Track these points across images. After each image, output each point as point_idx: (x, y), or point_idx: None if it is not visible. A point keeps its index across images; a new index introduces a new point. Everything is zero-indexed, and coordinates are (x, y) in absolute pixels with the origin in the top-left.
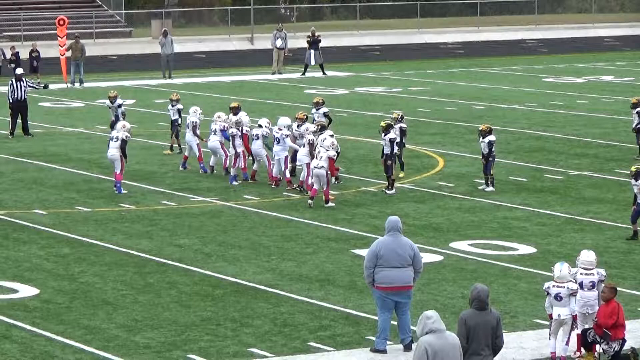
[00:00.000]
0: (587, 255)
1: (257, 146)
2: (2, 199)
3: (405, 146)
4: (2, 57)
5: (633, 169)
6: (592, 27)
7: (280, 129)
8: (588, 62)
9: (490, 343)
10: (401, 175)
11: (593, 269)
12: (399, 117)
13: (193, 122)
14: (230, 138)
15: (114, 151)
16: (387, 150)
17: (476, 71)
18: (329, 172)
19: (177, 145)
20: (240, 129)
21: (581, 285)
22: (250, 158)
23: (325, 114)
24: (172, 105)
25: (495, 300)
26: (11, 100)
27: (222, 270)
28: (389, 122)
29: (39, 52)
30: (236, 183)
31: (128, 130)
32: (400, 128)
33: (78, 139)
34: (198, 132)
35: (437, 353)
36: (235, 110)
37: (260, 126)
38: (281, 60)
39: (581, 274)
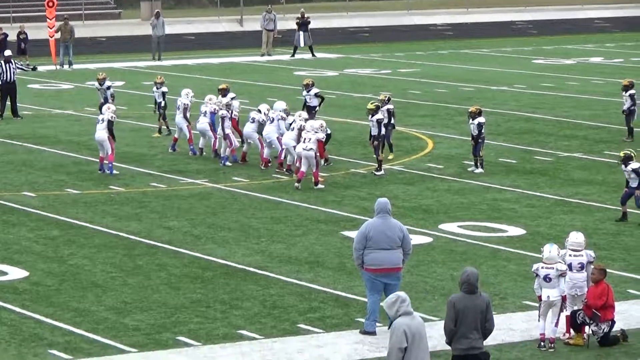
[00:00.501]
0: (576, 237)
1: (250, 129)
2: None
3: (395, 127)
4: None
5: (622, 154)
6: (582, 8)
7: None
8: (578, 44)
9: (479, 326)
10: (390, 157)
11: (582, 250)
12: (386, 98)
13: (184, 104)
14: (219, 120)
15: (101, 133)
16: (374, 132)
17: (465, 53)
18: (317, 154)
19: (166, 127)
20: (230, 111)
21: (570, 266)
22: (239, 140)
23: (317, 95)
24: (157, 88)
25: (485, 282)
26: (0, 83)
27: (212, 253)
28: (377, 103)
29: (26, 34)
30: (229, 164)
31: (113, 111)
32: (388, 110)
33: (67, 121)
34: (188, 114)
35: (414, 334)
36: (224, 92)
37: (259, 111)
38: (270, 42)
39: (570, 255)
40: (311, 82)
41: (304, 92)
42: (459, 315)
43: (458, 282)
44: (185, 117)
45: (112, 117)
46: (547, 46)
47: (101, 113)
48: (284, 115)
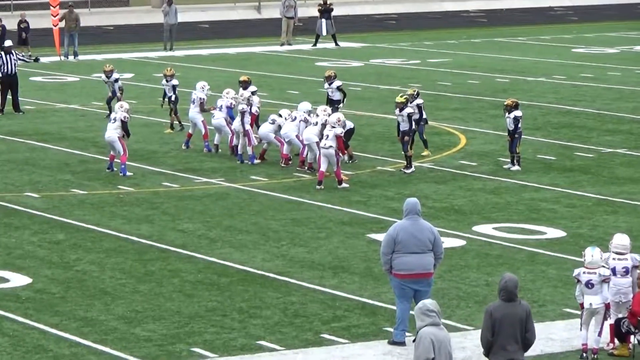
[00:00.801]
0: (621, 239)
1: (267, 129)
2: None
3: (428, 122)
4: None
5: None
6: None
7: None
8: (621, 31)
9: (519, 337)
10: (424, 153)
11: (627, 253)
12: (415, 93)
13: (200, 98)
14: (238, 115)
15: (111, 133)
16: (405, 127)
17: (500, 41)
18: (338, 151)
19: (178, 122)
20: (249, 106)
21: (614, 271)
22: (258, 137)
23: (339, 88)
24: (167, 81)
25: (522, 288)
26: (0, 75)
27: (229, 257)
28: (406, 96)
29: (28, 23)
30: (257, 161)
31: (126, 110)
32: (418, 105)
33: (72, 116)
34: (206, 108)
35: (441, 343)
36: (245, 85)
37: (280, 115)
38: (290, 30)
39: (614, 259)
40: (333, 74)
41: (326, 85)
42: (496, 325)
43: (497, 290)
44: (203, 110)
45: (124, 117)
46: (588, 34)
47: (109, 108)
48: (308, 118)
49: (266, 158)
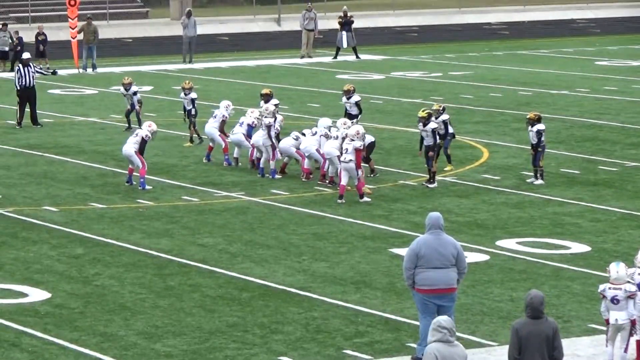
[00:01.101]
0: None
1: (288, 144)
2: (9, 195)
3: (455, 137)
4: (11, 41)
5: None
6: None
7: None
8: None
9: (546, 355)
10: (447, 168)
11: None
12: (441, 108)
13: (223, 115)
14: (265, 128)
15: (129, 147)
16: (429, 142)
17: (522, 54)
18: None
19: (197, 136)
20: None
21: (639, 286)
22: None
23: (357, 103)
24: (185, 94)
25: (547, 304)
26: (18, 87)
27: (249, 272)
28: (429, 111)
29: (45, 35)
30: (278, 176)
31: (152, 132)
32: (444, 121)
33: (91, 129)
34: (225, 130)
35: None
36: (267, 98)
37: (303, 134)
38: (311, 42)
39: (639, 274)
40: (352, 88)
41: (344, 99)
42: (522, 343)
43: (523, 307)
44: (220, 130)
45: (146, 135)
46: (611, 46)
47: (128, 121)
48: (328, 133)
49: (287, 172)
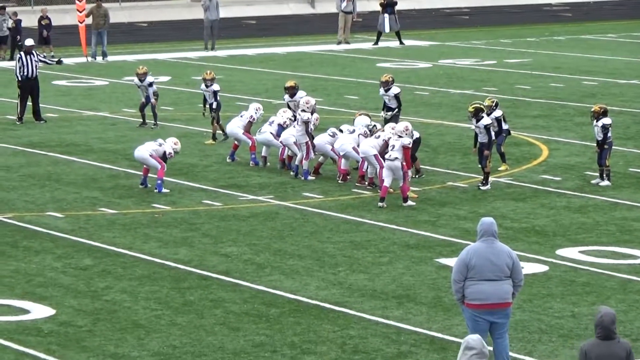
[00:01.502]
0: None
1: (324, 140)
2: (9, 199)
3: (510, 133)
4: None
5: None
6: None
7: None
8: None
9: None
10: (502, 168)
11: None
12: (493, 104)
13: (251, 116)
14: (303, 125)
15: (144, 150)
16: (483, 139)
17: (587, 39)
18: (404, 164)
19: (221, 132)
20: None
21: None
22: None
23: (396, 96)
24: (207, 86)
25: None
26: (20, 78)
27: (278, 285)
28: (478, 104)
29: (50, 20)
30: (311, 178)
31: (176, 150)
32: (497, 118)
33: (101, 125)
34: (250, 129)
35: None
36: (292, 91)
37: (340, 130)
38: (348, 27)
39: None
40: (391, 78)
41: (381, 91)
42: None
43: (593, 326)
44: (247, 131)
45: (169, 153)
46: None
47: (143, 116)
48: (367, 132)
49: (321, 173)
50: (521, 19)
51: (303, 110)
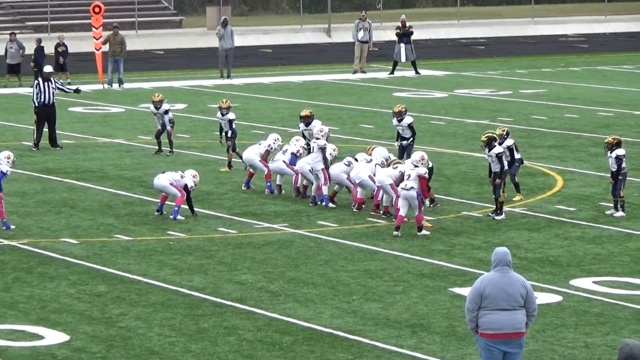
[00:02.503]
0: None
1: (339, 170)
2: (25, 225)
3: (523, 162)
4: (22, 52)
5: None
6: None
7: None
8: None
9: None
10: (517, 198)
11: None
12: (505, 133)
13: (269, 145)
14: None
15: (164, 181)
16: (495, 168)
17: (603, 70)
18: (420, 194)
19: (240, 159)
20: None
21: None
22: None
23: (410, 126)
24: (223, 115)
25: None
26: (37, 104)
27: (292, 313)
28: (490, 134)
29: (66, 47)
30: (332, 205)
31: (196, 182)
32: (509, 147)
33: (117, 151)
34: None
35: None
36: (307, 120)
37: (356, 159)
38: (364, 56)
39: None
40: (404, 109)
41: (394, 121)
42: None
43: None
44: (263, 159)
45: (191, 187)
46: None
47: (159, 143)
48: (384, 162)
49: (336, 201)
50: (537, 49)
51: (317, 138)
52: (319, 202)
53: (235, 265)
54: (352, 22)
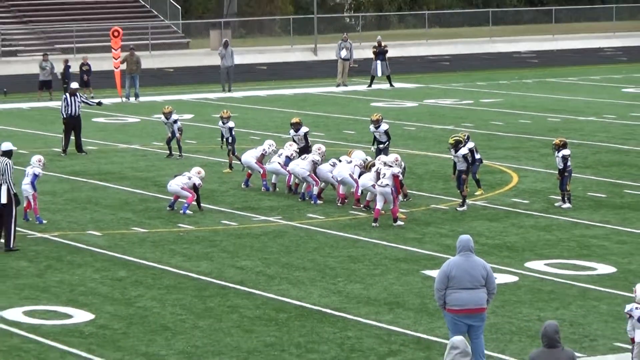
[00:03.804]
0: None
1: (324, 169)
2: (55, 220)
3: (482, 162)
4: (53, 70)
5: None
6: None
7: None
8: None
9: None
10: (478, 193)
11: None
12: (465, 137)
13: (264, 149)
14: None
15: (175, 187)
16: (461, 167)
17: (551, 81)
18: (394, 190)
19: (238, 161)
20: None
21: None
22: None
23: (386, 132)
24: (224, 123)
25: (574, 323)
26: (64, 116)
27: (286, 293)
28: (457, 137)
29: (89, 66)
30: (319, 202)
31: (202, 178)
32: (470, 149)
33: (133, 156)
34: (262, 160)
35: None
36: (297, 126)
37: (340, 160)
38: (346, 71)
39: None
40: (380, 117)
41: (372, 128)
42: None
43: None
44: (259, 161)
45: (199, 184)
46: (638, 74)
47: (169, 148)
48: (362, 163)
49: (323, 197)
50: (494, 64)
51: (315, 154)
52: (307, 199)
53: (236, 253)
54: (335, 42)
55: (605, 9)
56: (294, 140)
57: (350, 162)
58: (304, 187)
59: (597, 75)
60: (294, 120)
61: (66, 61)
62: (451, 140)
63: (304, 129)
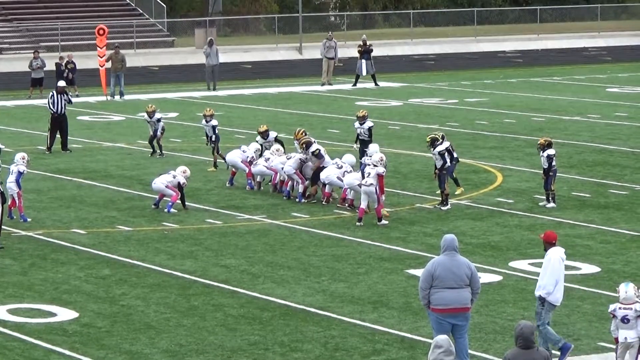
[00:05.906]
0: None
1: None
2: (39, 218)
3: (459, 161)
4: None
5: None
6: None
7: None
8: None
9: None
10: (458, 192)
11: None
12: (440, 136)
13: (250, 156)
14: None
15: (160, 185)
16: (439, 164)
17: (536, 81)
18: (378, 189)
19: (223, 160)
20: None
21: None
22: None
23: (369, 129)
24: (207, 121)
25: (558, 322)
26: (53, 111)
27: (270, 292)
28: (433, 135)
29: (74, 64)
30: (304, 200)
31: (187, 177)
32: (447, 148)
33: (118, 154)
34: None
35: None
36: (265, 134)
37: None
38: (331, 70)
39: None
40: (366, 114)
41: (356, 124)
42: None
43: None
44: (243, 162)
45: (184, 183)
46: (622, 73)
47: (152, 147)
48: (352, 169)
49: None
50: (479, 64)
51: (302, 152)
52: (291, 197)
53: (221, 251)
54: (320, 41)
55: (589, 9)
56: (262, 147)
57: (341, 167)
58: (289, 185)
59: (581, 75)
60: (262, 128)
61: (61, 59)
62: (427, 139)
63: (272, 134)
